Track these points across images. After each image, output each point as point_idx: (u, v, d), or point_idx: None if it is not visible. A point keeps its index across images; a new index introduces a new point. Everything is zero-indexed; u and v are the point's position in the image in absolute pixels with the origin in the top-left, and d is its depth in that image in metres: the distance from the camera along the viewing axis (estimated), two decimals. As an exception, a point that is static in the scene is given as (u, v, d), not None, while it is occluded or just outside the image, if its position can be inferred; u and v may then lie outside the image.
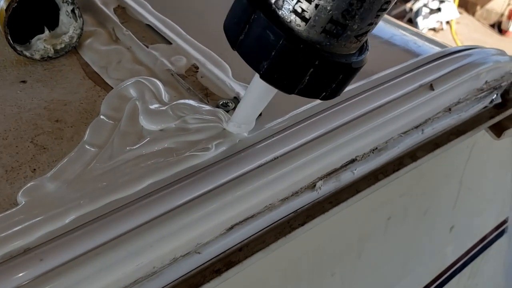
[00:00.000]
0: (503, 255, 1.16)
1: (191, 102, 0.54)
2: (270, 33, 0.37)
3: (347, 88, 0.57)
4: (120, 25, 0.66)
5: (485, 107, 0.67)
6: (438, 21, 4.67)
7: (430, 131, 0.61)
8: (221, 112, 0.52)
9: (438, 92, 0.58)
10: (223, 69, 0.60)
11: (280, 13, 0.37)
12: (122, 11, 0.71)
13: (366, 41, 0.42)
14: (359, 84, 0.58)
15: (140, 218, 0.43)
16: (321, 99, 0.42)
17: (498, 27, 4.82)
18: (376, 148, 0.56)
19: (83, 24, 0.63)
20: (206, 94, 0.57)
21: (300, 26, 0.37)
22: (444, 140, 0.62)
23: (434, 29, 4.70)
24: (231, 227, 0.48)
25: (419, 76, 0.59)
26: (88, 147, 0.50)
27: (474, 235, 0.98)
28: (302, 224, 0.53)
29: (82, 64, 0.62)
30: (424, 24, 4.50)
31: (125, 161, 0.48)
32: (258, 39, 0.38)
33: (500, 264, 1.19)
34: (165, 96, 0.55)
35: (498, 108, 0.68)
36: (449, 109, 0.61)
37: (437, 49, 0.68)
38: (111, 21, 0.67)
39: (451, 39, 4.66)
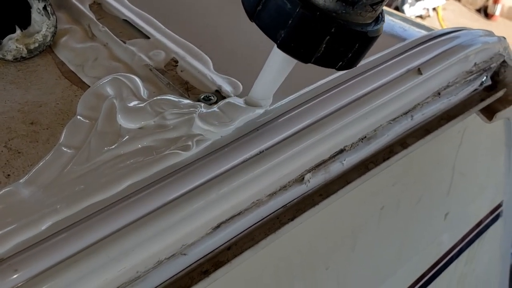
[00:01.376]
0: (498, 239, 1.15)
1: (171, 97, 0.51)
2: (287, 2, 0.38)
3: (335, 75, 0.55)
4: (96, 21, 0.64)
5: (475, 90, 0.65)
6: (424, 8, 4.66)
7: (419, 117, 0.59)
8: (201, 105, 0.50)
9: (427, 76, 0.57)
10: (204, 62, 0.58)
11: None
12: (98, 7, 0.68)
13: (381, 12, 0.43)
14: (346, 71, 0.56)
15: (120, 221, 0.41)
16: (337, 69, 0.43)
17: (484, 12, 4.82)
18: (365, 137, 0.54)
19: (56, 21, 0.61)
20: (187, 88, 0.55)
21: None
22: (434, 126, 0.61)
23: (421, 16, 4.69)
24: (218, 226, 0.46)
25: (406, 61, 0.57)
26: (65, 149, 0.47)
27: (469, 220, 0.97)
28: (292, 219, 0.51)
29: (57, 63, 0.60)
30: (410, 11, 4.48)
31: (103, 162, 0.46)
32: (275, 8, 0.39)
33: (496, 248, 1.19)
34: (143, 92, 0.53)
35: (489, 90, 0.66)
36: (438, 94, 0.59)
37: (423, 32, 0.66)
38: (87, 17, 0.65)
39: (438, 26, 4.65)
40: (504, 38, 0.64)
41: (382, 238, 0.74)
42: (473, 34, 0.63)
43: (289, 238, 0.53)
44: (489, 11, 4.77)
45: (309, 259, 0.62)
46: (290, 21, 0.39)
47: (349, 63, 0.43)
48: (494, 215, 1.05)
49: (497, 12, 4.72)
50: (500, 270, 1.28)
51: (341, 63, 0.42)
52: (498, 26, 4.69)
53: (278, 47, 0.41)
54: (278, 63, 0.46)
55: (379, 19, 0.43)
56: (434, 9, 4.79)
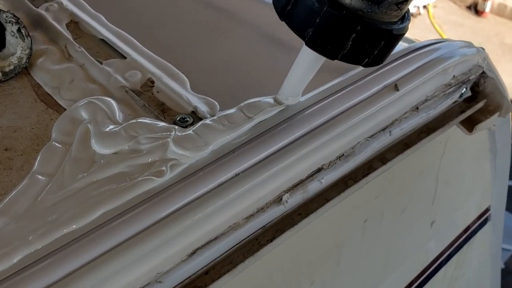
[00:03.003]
0: (488, 243, 1.15)
1: (145, 120, 0.51)
2: (315, 1, 0.41)
3: (312, 93, 0.55)
4: (73, 41, 0.63)
5: (455, 101, 0.65)
6: (415, 6, 4.67)
7: (398, 132, 0.59)
8: (175, 128, 0.49)
9: (404, 91, 0.56)
10: (181, 81, 0.57)
11: None
12: (75, 26, 0.68)
13: (408, 11, 0.44)
14: (322, 88, 0.56)
15: (92, 252, 0.41)
16: (363, 66, 0.44)
17: (475, 9, 4.83)
18: (343, 155, 0.54)
19: (31, 43, 0.60)
20: (163, 110, 0.54)
21: None
22: (414, 140, 0.61)
23: (412, 14, 4.70)
24: (193, 252, 0.45)
25: (383, 77, 0.57)
26: (39, 177, 0.47)
27: (456, 227, 0.97)
28: (271, 240, 0.51)
29: (33, 85, 0.60)
30: (401, 10, 4.48)
31: (77, 190, 0.45)
32: (303, 8, 0.41)
33: (486, 252, 1.19)
34: (119, 115, 0.52)
35: (469, 101, 0.66)
36: (416, 108, 0.59)
37: (402, 44, 0.66)
38: (63, 37, 0.64)
39: (429, 24, 4.66)
40: (483, 49, 0.64)
41: (367, 250, 0.74)
42: (452, 46, 0.63)
43: (271, 256, 0.53)
44: (479, 8, 4.79)
45: (293, 275, 0.62)
46: (317, 20, 0.41)
47: (376, 60, 0.44)
48: (482, 220, 1.05)
49: (487, 9, 4.74)
50: (491, 272, 1.28)
51: (367, 59, 0.44)
52: (489, 23, 4.71)
53: (306, 44, 0.44)
54: (306, 61, 0.48)
55: (405, 17, 0.44)
56: (424, 7, 4.81)
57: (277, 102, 0.53)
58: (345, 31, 0.41)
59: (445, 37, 4.42)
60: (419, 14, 4.74)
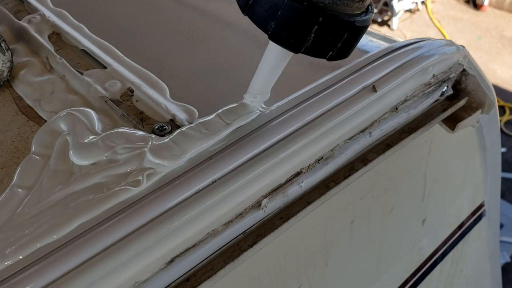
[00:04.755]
0: (485, 238, 1.15)
1: (123, 130, 0.51)
2: None
3: (290, 97, 0.55)
4: (54, 52, 0.64)
5: (437, 100, 0.65)
6: (413, 2, 4.65)
7: (378, 133, 0.59)
8: (152, 137, 0.50)
9: (382, 92, 0.56)
10: (160, 89, 0.58)
11: None
12: (57, 37, 0.68)
13: (371, 4, 0.45)
14: (300, 92, 0.56)
15: (70, 263, 0.41)
16: (328, 59, 0.44)
17: (473, 2, 4.81)
18: (322, 158, 0.54)
19: (12, 56, 0.61)
20: (142, 118, 0.55)
21: None
22: (395, 140, 0.61)
23: (410, 11, 4.69)
24: (172, 260, 0.46)
25: (361, 78, 0.57)
26: (18, 190, 0.47)
27: (449, 224, 0.97)
28: (252, 245, 0.51)
29: (15, 98, 0.60)
30: (399, 6, 4.48)
31: (55, 202, 0.46)
32: (265, 1, 0.42)
33: (483, 247, 1.19)
34: (98, 126, 0.53)
35: (451, 100, 0.66)
36: (395, 109, 0.59)
37: (382, 44, 0.66)
38: (45, 49, 0.65)
39: (428, 19, 4.65)
40: (463, 46, 0.64)
41: (356, 250, 0.74)
42: (432, 45, 0.63)
43: (256, 260, 0.53)
44: (478, 1, 4.77)
45: (279, 279, 0.62)
46: (279, 12, 0.41)
47: (340, 53, 0.44)
48: (477, 216, 1.05)
49: (486, 2, 4.71)
50: (491, 266, 1.28)
51: (331, 52, 0.44)
52: (488, 16, 4.69)
53: (269, 37, 0.43)
54: (272, 58, 0.48)
55: (368, 10, 0.44)
56: (423, 2, 4.79)
57: (246, 101, 0.53)
58: (307, 24, 0.41)
59: (444, 32, 4.41)
60: (418, 10, 4.72)
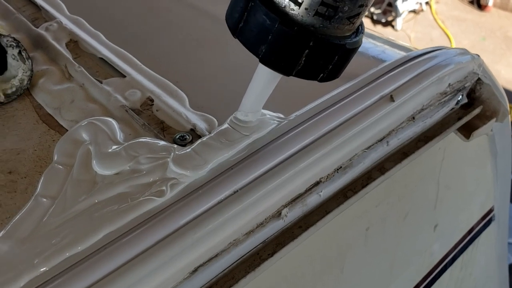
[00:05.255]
0: (493, 242, 1.16)
1: (145, 139, 0.52)
2: (266, 18, 0.40)
3: (308, 107, 0.56)
4: (72, 61, 0.64)
5: (452, 109, 0.65)
6: (417, 3, 4.65)
7: (395, 142, 0.59)
8: (174, 147, 0.50)
9: (399, 102, 0.57)
10: (179, 99, 0.58)
11: None
12: (75, 45, 0.69)
13: (361, 24, 0.44)
14: (319, 102, 0.56)
15: (97, 273, 0.42)
16: (319, 81, 0.44)
17: (478, 3, 4.81)
18: (341, 167, 0.55)
19: (32, 65, 0.61)
20: (162, 128, 0.55)
21: (294, 10, 0.40)
22: (412, 148, 0.61)
23: (414, 11, 4.68)
24: (195, 270, 0.46)
25: (378, 88, 0.57)
26: (42, 199, 0.48)
27: (460, 229, 0.98)
28: (272, 254, 0.52)
29: (35, 106, 0.61)
30: (404, 7, 4.48)
31: (79, 211, 0.46)
32: (256, 24, 0.41)
33: (491, 251, 1.19)
34: (119, 135, 0.53)
35: (465, 108, 0.66)
36: (412, 118, 0.59)
37: (398, 53, 0.67)
38: (63, 57, 0.65)
39: (432, 20, 4.65)
40: (478, 55, 0.65)
41: (371, 256, 0.75)
42: (447, 54, 0.64)
43: (274, 268, 0.53)
44: (482, 2, 4.76)
45: (296, 285, 0.63)
46: (270, 37, 0.41)
47: (331, 75, 0.44)
48: (486, 220, 1.05)
49: (490, 3, 4.71)
50: (498, 269, 1.28)
51: (322, 74, 0.44)
52: (492, 17, 4.69)
53: (260, 61, 0.43)
54: (263, 78, 0.49)
55: (358, 31, 0.44)
56: (427, 3, 4.78)
57: (237, 119, 0.53)
58: (298, 48, 0.41)
59: (448, 32, 4.41)
60: (422, 10, 4.72)
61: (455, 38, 4.36)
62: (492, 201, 1.02)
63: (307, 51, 0.41)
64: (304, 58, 0.42)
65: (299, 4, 0.40)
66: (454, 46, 4.14)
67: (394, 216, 0.73)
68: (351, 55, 0.44)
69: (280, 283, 0.60)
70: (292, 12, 0.40)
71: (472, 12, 4.77)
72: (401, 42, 0.76)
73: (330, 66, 0.43)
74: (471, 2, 4.87)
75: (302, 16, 0.40)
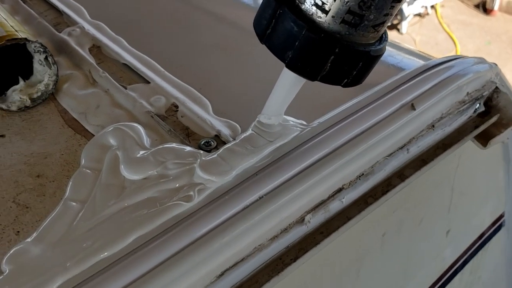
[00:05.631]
0: (502, 248, 1.16)
1: (172, 145, 0.53)
2: (294, 25, 0.41)
3: (330, 114, 0.57)
4: (96, 66, 0.66)
5: (469, 117, 0.66)
6: (423, 6, 4.65)
7: (415, 149, 0.60)
8: (200, 153, 0.51)
9: (420, 110, 0.58)
10: (203, 105, 0.59)
11: (303, 7, 0.41)
12: (98, 50, 0.70)
13: (385, 32, 0.45)
14: (341, 109, 0.57)
15: (128, 277, 0.43)
16: (343, 86, 0.46)
17: (483, 7, 4.81)
18: (363, 174, 0.56)
19: (57, 70, 0.62)
20: (188, 134, 0.56)
21: (321, 17, 0.41)
22: (430, 156, 0.62)
23: (419, 15, 4.69)
24: (222, 274, 0.47)
25: (399, 96, 0.58)
26: (71, 203, 0.49)
27: (471, 234, 0.98)
28: (295, 259, 0.52)
29: (60, 111, 0.62)
30: (409, 10, 4.48)
31: (109, 215, 0.47)
32: (283, 31, 0.42)
33: (501, 256, 1.20)
34: (146, 141, 0.54)
35: (482, 116, 0.67)
36: (432, 126, 0.60)
37: (417, 61, 0.68)
38: (87, 62, 0.66)
39: (437, 23, 4.65)
40: (495, 64, 0.66)
41: (386, 261, 0.76)
42: (465, 63, 0.65)
43: (294, 273, 0.54)
44: (487, 6, 4.76)
45: (315, 289, 0.64)
46: (297, 43, 0.42)
47: (355, 80, 0.46)
48: (496, 226, 1.06)
49: (496, 7, 4.71)
50: (507, 275, 1.29)
51: (346, 80, 0.45)
52: (497, 21, 4.69)
53: (287, 66, 0.45)
54: (287, 82, 0.50)
55: (382, 38, 0.46)
56: (432, 6, 4.79)
57: (260, 122, 0.54)
58: (324, 54, 0.42)
59: (454, 36, 4.41)
60: (427, 14, 4.72)
61: (460, 42, 4.37)
62: (503, 207, 1.03)
63: (332, 57, 0.42)
64: (329, 64, 0.43)
65: (326, 12, 0.41)
66: (459, 50, 4.15)
67: (409, 222, 0.74)
68: (375, 62, 0.46)
69: (300, 286, 0.61)
70: (319, 19, 0.41)
71: (478, 16, 4.77)
72: (417, 49, 0.77)
73: (354, 72, 0.44)
74: (477, 6, 4.87)
75: (328, 23, 0.41)
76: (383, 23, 0.42)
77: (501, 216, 1.05)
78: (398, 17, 4.52)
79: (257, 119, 0.55)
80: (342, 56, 0.42)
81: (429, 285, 0.94)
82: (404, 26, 4.49)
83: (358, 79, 0.46)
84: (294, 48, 0.42)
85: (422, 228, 0.78)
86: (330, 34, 0.41)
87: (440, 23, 4.67)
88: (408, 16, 4.50)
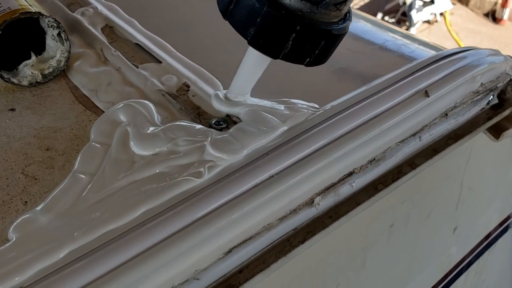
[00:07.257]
0: (508, 250, 1.15)
1: (183, 123, 0.53)
2: (256, 1, 0.42)
3: (343, 98, 0.56)
4: (109, 45, 0.65)
5: (482, 109, 0.66)
6: (432, 13, 4.65)
7: (427, 137, 0.60)
8: (211, 132, 0.51)
9: (434, 98, 0.57)
10: (215, 86, 0.59)
11: None
12: (110, 30, 0.70)
13: (349, 12, 0.45)
14: (354, 94, 0.57)
15: (135, 249, 0.42)
16: (305, 65, 0.46)
17: (492, 16, 4.80)
18: (374, 159, 0.55)
19: (70, 47, 0.62)
20: (198, 113, 0.56)
21: None
22: (442, 146, 0.61)
23: (428, 22, 4.69)
24: (230, 251, 0.47)
25: (413, 83, 0.58)
26: (80, 176, 0.49)
27: (478, 233, 0.98)
28: (303, 242, 0.52)
29: (71, 87, 0.61)
30: (418, 17, 4.48)
31: (118, 189, 0.47)
32: (245, 7, 0.43)
33: (506, 258, 1.19)
34: (157, 118, 0.54)
35: (495, 109, 0.67)
36: (445, 114, 0.60)
37: (430, 52, 0.67)
38: (99, 41, 0.66)
39: (446, 31, 4.65)
40: (511, 57, 0.65)
41: (392, 253, 0.75)
42: (480, 54, 0.64)
43: (300, 257, 0.54)
44: (497, 15, 4.76)
45: (320, 277, 0.63)
46: (258, 19, 0.42)
47: (317, 60, 0.46)
48: (503, 227, 1.05)
49: (505, 16, 4.70)
50: (511, 277, 1.28)
51: (308, 59, 0.45)
52: (507, 30, 4.68)
53: (249, 43, 0.45)
54: (251, 60, 0.50)
55: (346, 18, 0.45)
56: (441, 14, 4.79)
57: (226, 99, 0.55)
58: (285, 31, 0.42)
59: (462, 44, 4.40)
60: (436, 21, 4.72)
61: (469, 50, 4.35)
62: (510, 208, 1.02)
63: (294, 35, 0.42)
64: (291, 42, 0.43)
65: None
66: (468, 57, 4.13)
67: (417, 215, 0.73)
68: (337, 41, 0.45)
69: (306, 272, 0.60)
70: None
71: (487, 25, 4.77)
72: (428, 40, 0.76)
73: (317, 51, 0.44)
74: (486, 15, 4.87)
75: (290, 1, 0.41)
76: (345, 1, 0.42)
77: (509, 217, 1.04)
78: (407, 23, 4.52)
79: (224, 92, 0.55)
80: (303, 34, 0.42)
81: (433, 283, 0.93)
82: (412, 32, 4.48)
83: (320, 59, 0.46)
84: (256, 25, 0.43)
85: (429, 223, 0.77)
86: (292, 12, 0.41)
87: (449, 31, 4.67)
88: (417, 22, 4.50)
